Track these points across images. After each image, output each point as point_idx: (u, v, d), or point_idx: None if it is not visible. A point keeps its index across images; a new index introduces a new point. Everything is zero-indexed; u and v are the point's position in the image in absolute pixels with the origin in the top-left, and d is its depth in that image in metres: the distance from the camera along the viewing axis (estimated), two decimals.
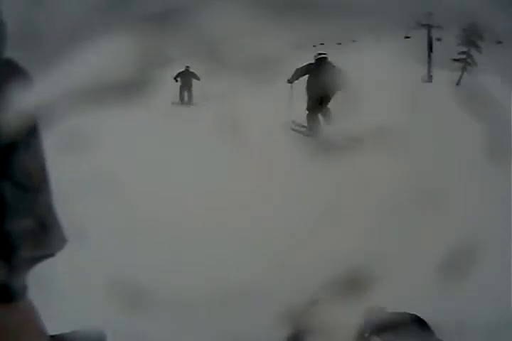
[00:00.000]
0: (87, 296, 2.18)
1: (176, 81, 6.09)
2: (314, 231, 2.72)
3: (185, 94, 6.13)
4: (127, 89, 4.22)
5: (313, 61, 5.28)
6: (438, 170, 2.93)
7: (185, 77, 6.11)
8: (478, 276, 1.89)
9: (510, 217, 2.15)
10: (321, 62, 5.23)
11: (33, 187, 0.48)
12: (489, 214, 2.38)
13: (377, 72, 4.49)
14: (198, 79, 6.06)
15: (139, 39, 4.30)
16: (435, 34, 5.52)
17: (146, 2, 4.35)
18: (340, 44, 6.17)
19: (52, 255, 0.51)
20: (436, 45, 5.43)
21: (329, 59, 5.24)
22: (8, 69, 0.49)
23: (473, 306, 1.78)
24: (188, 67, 6.03)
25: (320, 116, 4.98)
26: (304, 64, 5.29)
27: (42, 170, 0.50)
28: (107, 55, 4.41)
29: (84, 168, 3.23)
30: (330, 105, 4.97)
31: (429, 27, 5.49)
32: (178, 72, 6.09)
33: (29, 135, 0.49)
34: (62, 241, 0.52)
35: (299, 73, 5.28)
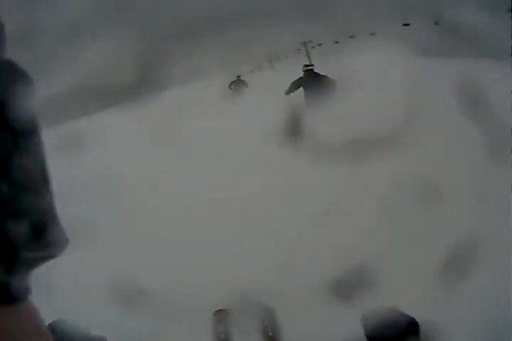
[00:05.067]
0: (87, 296, 2.18)
1: (231, 89, 6.55)
2: (314, 233, 2.72)
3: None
4: (128, 89, 4.22)
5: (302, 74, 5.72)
6: (438, 170, 2.93)
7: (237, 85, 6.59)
8: (478, 276, 1.89)
9: (510, 217, 2.15)
10: (309, 73, 5.57)
11: (32, 188, 0.47)
12: (489, 214, 2.37)
13: (376, 71, 4.48)
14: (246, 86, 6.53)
15: (139, 39, 4.30)
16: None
17: (147, 3, 4.34)
18: (337, 42, 6.19)
19: (54, 256, 0.51)
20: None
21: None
22: (8, 71, 0.49)
23: (474, 306, 1.78)
24: (239, 76, 6.53)
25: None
26: (297, 78, 5.68)
27: (42, 170, 0.50)
28: (107, 55, 4.41)
29: (84, 168, 3.23)
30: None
31: None
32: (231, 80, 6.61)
33: (30, 135, 0.49)
34: (63, 242, 0.52)
35: (294, 87, 5.61)
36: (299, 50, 6.26)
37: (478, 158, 2.70)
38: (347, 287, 2.18)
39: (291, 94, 5.62)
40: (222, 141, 4.21)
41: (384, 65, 4.64)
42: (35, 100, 0.50)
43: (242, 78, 6.59)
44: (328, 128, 3.71)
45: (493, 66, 3.67)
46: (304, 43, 6.21)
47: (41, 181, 0.48)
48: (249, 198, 3.19)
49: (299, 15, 4.90)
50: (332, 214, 2.81)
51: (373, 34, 5.82)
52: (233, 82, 6.62)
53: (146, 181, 3.61)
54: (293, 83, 5.68)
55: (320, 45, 6.24)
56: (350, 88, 4.06)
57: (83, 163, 3.16)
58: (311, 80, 5.55)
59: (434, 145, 3.29)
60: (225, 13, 4.94)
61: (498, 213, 2.27)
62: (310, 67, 5.71)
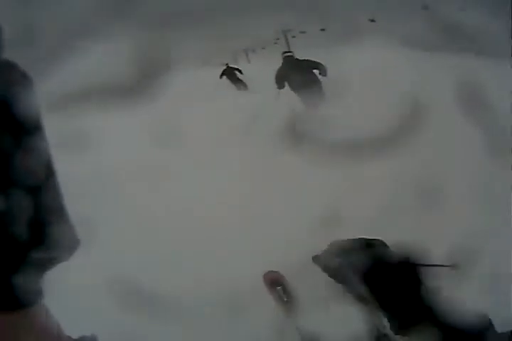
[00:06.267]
0: (86, 296, 2.18)
1: (221, 78, 6.37)
2: (314, 232, 2.72)
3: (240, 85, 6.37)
4: (128, 88, 4.22)
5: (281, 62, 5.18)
6: (438, 170, 2.93)
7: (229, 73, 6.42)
8: (478, 276, 1.89)
9: (510, 217, 2.15)
10: (289, 59, 5.12)
11: (36, 187, 0.47)
12: (489, 214, 2.37)
13: (374, 69, 4.47)
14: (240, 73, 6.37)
15: (139, 39, 4.30)
16: None
17: (147, 2, 4.34)
18: (324, 30, 5.63)
19: (64, 258, 0.50)
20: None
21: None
22: (7, 71, 0.49)
23: (473, 306, 1.78)
24: (227, 63, 6.36)
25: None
26: (277, 69, 5.13)
27: (46, 169, 0.49)
28: (107, 55, 4.41)
29: (84, 167, 3.22)
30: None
31: None
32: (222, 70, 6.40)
33: (33, 134, 0.48)
34: (73, 243, 0.51)
35: (280, 78, 5.13)
36: (277, 39, 5.64)
37: (478, 158, 2.70)
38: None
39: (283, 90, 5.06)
40: (222, 140, 4.21)
41: (383, 63, 4.62)
42: (36, 100, 0.50)
43: (231, 65, 6.30)
44: (328, 128, 3.71)
45: (493, 65, 3.66)
46: (283, 32, 5.60)
47: (45, 179, 0.47)
48: (248, 198, 3.19)
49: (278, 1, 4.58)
50: (332, 215, 2.81)
51: (373, 21, 5.16)
52: (224, 70, 6.33)
53: (147, 181, 3.61)
54: (277, 75, 5.08)
55: (303, 33, 5.64)
56: (348, 86, 4.04)
57: (83, 162, 3.15)
58: (294, 67, 4.99)
59: (434, 145, 3.28)
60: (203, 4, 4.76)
61: (498, 213, 2.27)
62: (289, 54, 5.15)
